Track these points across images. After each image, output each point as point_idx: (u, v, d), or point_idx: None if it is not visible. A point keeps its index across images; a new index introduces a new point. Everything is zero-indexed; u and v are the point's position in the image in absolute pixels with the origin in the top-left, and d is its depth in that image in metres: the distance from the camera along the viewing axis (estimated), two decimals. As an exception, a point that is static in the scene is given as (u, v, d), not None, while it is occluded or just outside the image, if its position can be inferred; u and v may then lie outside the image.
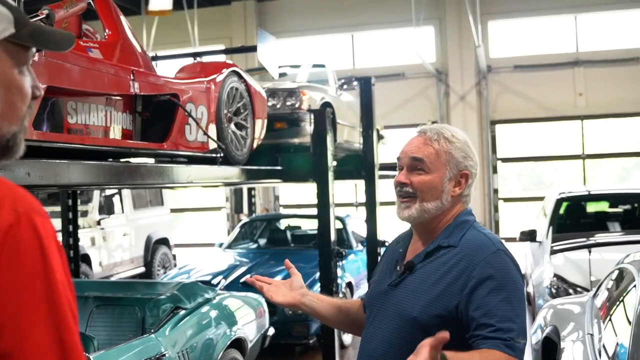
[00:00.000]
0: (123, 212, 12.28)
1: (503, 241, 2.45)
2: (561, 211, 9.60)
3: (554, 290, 7.25)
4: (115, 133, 4.53)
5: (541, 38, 17.38)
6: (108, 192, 11.76)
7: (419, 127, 2.58)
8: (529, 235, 9.04)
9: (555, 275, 7.46)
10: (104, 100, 4.38)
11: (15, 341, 1.17)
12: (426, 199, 2.43)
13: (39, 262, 1.21)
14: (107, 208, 11.77)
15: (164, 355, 4.68)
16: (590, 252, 6.70)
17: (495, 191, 17.42)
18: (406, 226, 2.74)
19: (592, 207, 10.41)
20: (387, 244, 2.87)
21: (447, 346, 2.25)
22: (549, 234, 8.80)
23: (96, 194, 11.26)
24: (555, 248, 7.68)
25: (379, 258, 2.83)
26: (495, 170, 17.49)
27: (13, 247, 1.19)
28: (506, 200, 18.04)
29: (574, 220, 9.76)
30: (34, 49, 1.45)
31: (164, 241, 13.63)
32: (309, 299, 2.70)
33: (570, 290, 7.12)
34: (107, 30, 4.79)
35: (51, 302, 1.21)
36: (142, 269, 12.70)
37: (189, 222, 20.98)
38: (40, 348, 1.18)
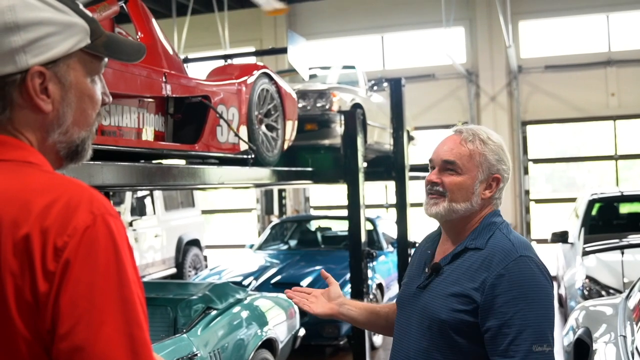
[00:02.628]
0: (155, 213, 12.36)
1: (532, 244, 2.43)
2: (593, 212, 9.53)
3: (586, 292, 7.20)
4: (148, 135, 4.58)
5: (572, 38, 17.23)
6: (140, 193, 11.84)
7: (454, 127, 2.58)
8: (561, 237, 8.98)
9: (588, 277, 7.40)
10: (137, 102, 4.42)
11: (88, 336, 1.22)
12: (456, 200, 2.42)
13: (112, 261, 1.27)
14: (139, 209, 11.86)
15: (196, 355, 4.71)
16: (623, 253, 6.64)
17: (527, 192, 17.29)
18: (435, 226, 2.75)
19: (624, 208, 10.32)
20: (417, 244, 2.84)
21: (475, 350, 2.26)
22: (581, 236, 8.74)
23: (128, 195, 11.35)
24: (587, 249, 7.62)
25: (409, 259, 2.82)
26: (526, 172, 17.36)
27: (89, 246, 1.25)
28: (537, 201, 17.90)
29: (606, 221, 9.68)
30: (106, 59, 1.51)
31: (195, 242, 13.70)
32: (346, 308, 2.71)
33: (603, 292, 7.06)
34: (139, 33, 4.83)
35: (123, 299, 1.26)
36: (173, 270, 12.77)
37: (219, 223, 21.06)
38: (112, 343, 1.23)
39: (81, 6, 1.46)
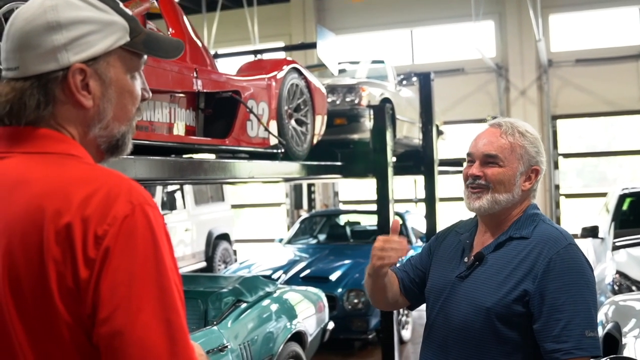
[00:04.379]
0: (185, 207, 12.44)
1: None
2: (624, 207, 9.45)
3: (616, 287, 7.15)
4: (179, 129, 4.63)
5: (603, 31, 17.08)
6: (170, 188, 11.92)
7: (491, 120, 2.60)
8: (591, 232, 8.92)
9: (618, 272, 7.35)
10: (169, 97, 4.48)
11: (127, 321, 1.26)
12: (499, 191, 2.45)
13: (150, 249, 1.31)
14: (169, 204, 11.94)
15: (226, 347, 4.76)
16: (653, 248, 6.60)
17: (557, 187, 17.19)
18: (459, 218, 2.77)
19: (656, 204, 10.21)
20: (444, 232, 2.83)
21: (518, 339, 2.29)
22: (611, 230, 8.68)
23: (159, 190, 11.43)
24: (617, 244, 7.58)
25: (427, 246, 2.80)
26: (556, 166, 17.26)
27: (128, 235, 1.30)
28: (568, 196, 17.79)
29: (637, 216, 9.59)
30: (145, 56, 1.56)
31: (225, 236, 13.76)
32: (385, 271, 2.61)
33: (633, 287, 7.01)
34: (170, 29, 4.89)
35: (161, 286, 1.31)
36: (203, 264, 12.84)
37: (249, 217, 21.15)
38: (150, 328, 1.27)
39: (121, 5, 1.51)
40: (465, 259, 2.53)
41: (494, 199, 2.45)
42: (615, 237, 8.17)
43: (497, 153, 2.45)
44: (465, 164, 2.57)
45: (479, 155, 2.50)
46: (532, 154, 2.48)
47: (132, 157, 3.82)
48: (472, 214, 2.63)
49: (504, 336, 2.36)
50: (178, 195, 12.29)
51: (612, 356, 2.68)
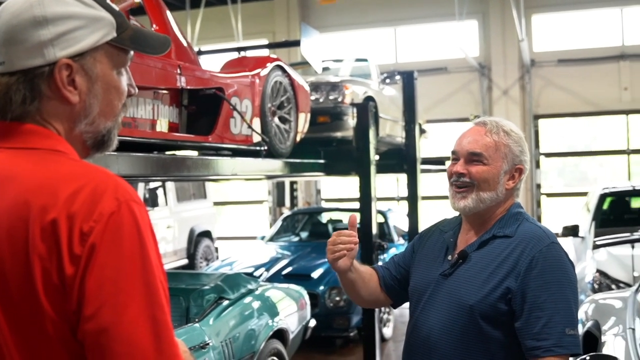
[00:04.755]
0: (167, 204, 12.41)
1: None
2: (605, 206, 9.52)
3: (596, 286, 7.20)
4: (162, 126, 4.62)
5: (586, 32, 17.18)
6: (152, 185, 11.89)
7: (475, 119, 2.62)
8: (572, 231, 8.98)
9: (598, 271, 7.40)
10: (152, 94, 4.46)
11: (113, 318, 1.26)
12: (483, 189, 2.47)
13: (136, 246, 1.31)
14: (151, 201, 11.90)
15: (208, 344, 4.75)
16: (633, 247, 6.64)
17: (538, 186, 17.28)
18: (442, 217, 2.79)
19: (636, 203, 10.30)
20: (427, 230, 2.83)
21: (500, 337, 2.31)
22: (591, 229, 8.74)
23: (141, 186, 11.40)
24: (598, 243, 7.62)
25: (411, 244, 2.81)
26: (538, 166, 17.35)
27: (114, 231, 1.30)
28: (549, 195, 17.90)
29: (617, 215, 9.67)
30: (132, 52, 1.56)
31: (207, 234, 13.74)
32: (351, 268, 2.63)
33: (613, 286, 7.06)
34: (154, 26, 4.87)
35: (146, 283, 1.31)
36: (185, 261, 12.82)
37: (231, 215, 21.12)
38: (136, 325, 1.27)
39: (108, 0, 1.51)
40: (449, 257, 2.55)
41: (479, 198, 2.47)
42: (595, 236, 8.22)
43: (482, 151, 2.47)
44: (449, 162, 2.58)
45: (463, 153, 2.51)
46: (516, 153, 2.50)
47: (115, 153, 3.81)
48: (456, 213, 2.64)
49: (487, 334, 2.37)
50: (160, 192, 12.26)
51: (591, 354, 2.71)
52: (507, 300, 2.35)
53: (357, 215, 2.77)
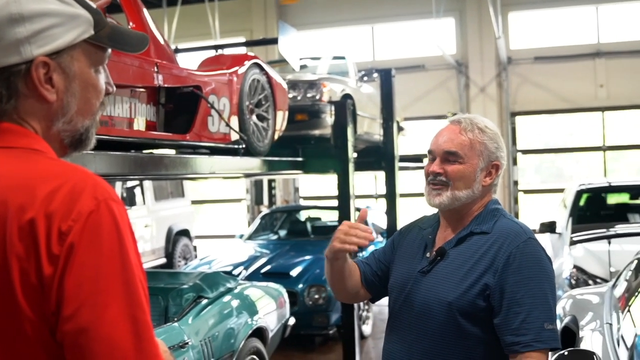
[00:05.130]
0: (144, 203, 12.36)
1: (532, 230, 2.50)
2: (581, 203, 9.59)
3: (573, 282, 7.25)
4: (140, 124, 4.59)
5: (562, 29, 17.28)
6: (130, 183, 11.84)
7: (451, 117, 2.62)
8: (549, 227, 9.04)
9: (575, 267, 7.45)
10: (129, 92, 4.44)
11: (93, 318, 1.25)
12: (458, 187, 2.47)
13: (115, 245, 1.30)
14: (128, 199, 11.85)
15: (187, 343, 4.74)
16: (610, 243, 6.70)
17: (515, 183, 17.37)
18: (423, 214, 2.79)
19: (612, 199, 10.39)
20: (406, 227, 2.83)
21: (479, 334, 2.31)
22: (568, 226, 8.80)
23: (118, 185, 11.34)
24: (575, 239, 7.68)
25: (390, 240, 2.80)
26: (515, 162, 17.43)
27: (93, 231, 1.29)
28: (526, 192, 18.00)
29: (594, 211, 9.74)
30: (110, 50, 1.54)
31: (185, 233, 13.71)
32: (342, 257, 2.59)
33: (590, 282, 7.11)
34: (131, 23, 4.85)
35: (126, 282, 1.30)
36: (163, 260, 12.78)
37: (209, 213, 21.07)
38: (116, 325, 1.27)
39: None
40: (428, 254, 2.55)
41: (454, 196, 2.48)
42: (572, 233, 8.28)
43: (457, 150, 2.48)
44: (426, 161, 2.59)
45: (439, 152, 2.52)
46: (492, 150, 2.51)
47: (92, 152, 3.78)
48: (434, 210, 2.65)
49: (466, 330, 2.38)
50: (138, 191, 12.21)
51: (570, 349, 2.73)
52: (486, 297, 2.36)
53: (367, 210, 2.74)
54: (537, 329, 2.28)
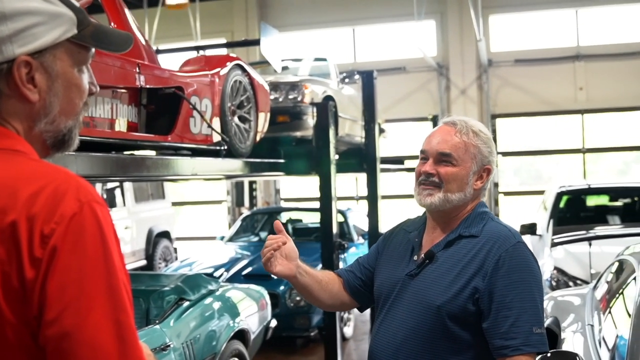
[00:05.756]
0: (125, 205, 12.30)
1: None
2: (561, 205, 9.64)
3: (554, 283, 7.29)
4: (121, 125, 4.56)
5: (542, 32, 17.38)
6: (110, 185, 11.78)
7: (445, 118, 2.60)
8: (530, 229, 9.07)
9: (556, 268, 7.49)
10: (110, 93, 4.41)
11: (76, 322, 1.23)
12: (451, 190, 2.46)
13: (99, 248, 1.28)
14: (109, 201, 11.78)
15: (169, 346, 4.72)
16: (590, 244, 6.74)
17: (496, 185, 17.43)
18: (406, 216, 2.78)
19: (592, 201, 10.45)
20: (392, 230, 2.82)
21: (467, 337, 2.31)
22: (549, 227, 8.84)
23: (98, 187, 11.27)
24: (555, 241, 7.72)
25: (375, 246, 2.79)
26: (495, 164, 17.49)
27: (76, 233, 1.26)
28: (506, 194, 18.08)
29: (574, 213, 9.80)
30: (93, 49, 1.52)
31: (166, 234, 13.65)
32: (300, 271, 2.57)
33: (571, 283, 7.15)
34: (112, 24, 4.82)
35: (110, 285, 1.28)
36: (143, 262, 12.72)
37: (190, 215, 20.99)
38: (99, 328, 1.25)
39: None
40: (415, 257, 2.54)
41: (446, 198, 2.47)
42: (553, 234, 8.32)
43: (451, 152, 2.46)
44: (418, 161, 2.57)
45: (432, 153, 2.50)
46: (485, 154, 2.51)
47: (74, 153, 3.75)
48: (420, 212, 2.64)
49: (454, 334, 2.37)
50: (118, 192, 12.15)
51: (552, 350, 2.73)
52: (475, 300, 2.35)
53: (279, 221, 2.70)
54: (526, 332, 2.28)
